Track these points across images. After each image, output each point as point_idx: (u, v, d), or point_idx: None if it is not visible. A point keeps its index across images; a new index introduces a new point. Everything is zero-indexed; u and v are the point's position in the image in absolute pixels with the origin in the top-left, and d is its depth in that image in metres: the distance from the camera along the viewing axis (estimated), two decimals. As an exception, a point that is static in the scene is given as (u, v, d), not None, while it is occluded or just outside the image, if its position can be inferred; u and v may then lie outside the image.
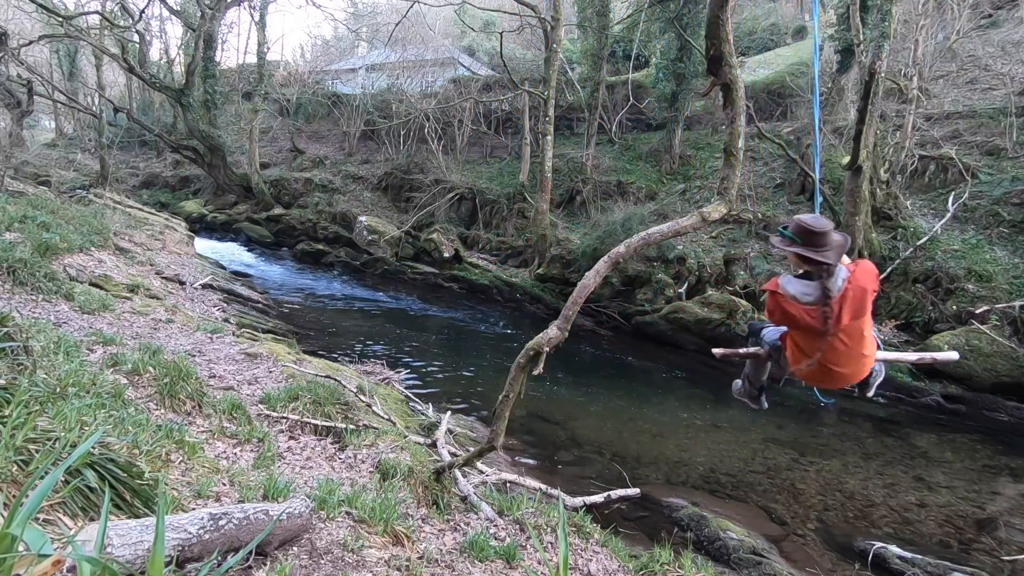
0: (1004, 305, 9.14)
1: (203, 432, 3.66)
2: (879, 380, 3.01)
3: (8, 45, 14.67)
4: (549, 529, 3.76)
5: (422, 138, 19.22)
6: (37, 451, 2.12)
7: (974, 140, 12.26)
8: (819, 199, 3.66)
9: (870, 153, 10.54)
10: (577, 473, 5.99)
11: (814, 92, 3.19)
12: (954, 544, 5.22)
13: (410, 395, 6.90)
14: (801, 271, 2.65)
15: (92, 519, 1.98)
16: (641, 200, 15.02)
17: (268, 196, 20.33)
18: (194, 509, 2.43)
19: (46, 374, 3.04)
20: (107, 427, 2.64)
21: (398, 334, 10.82)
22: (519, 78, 17.58)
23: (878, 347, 2.82)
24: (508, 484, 4.80)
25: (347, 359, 8.05)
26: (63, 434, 2.28)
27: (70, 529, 1.87)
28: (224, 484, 2.95)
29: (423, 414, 6.28)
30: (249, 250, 18.28)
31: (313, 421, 4.49)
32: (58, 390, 2.91)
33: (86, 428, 2.47)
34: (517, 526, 3.74)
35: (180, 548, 1.95)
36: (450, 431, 5.82)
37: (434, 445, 5.09)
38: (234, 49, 55.65)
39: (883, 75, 10.63)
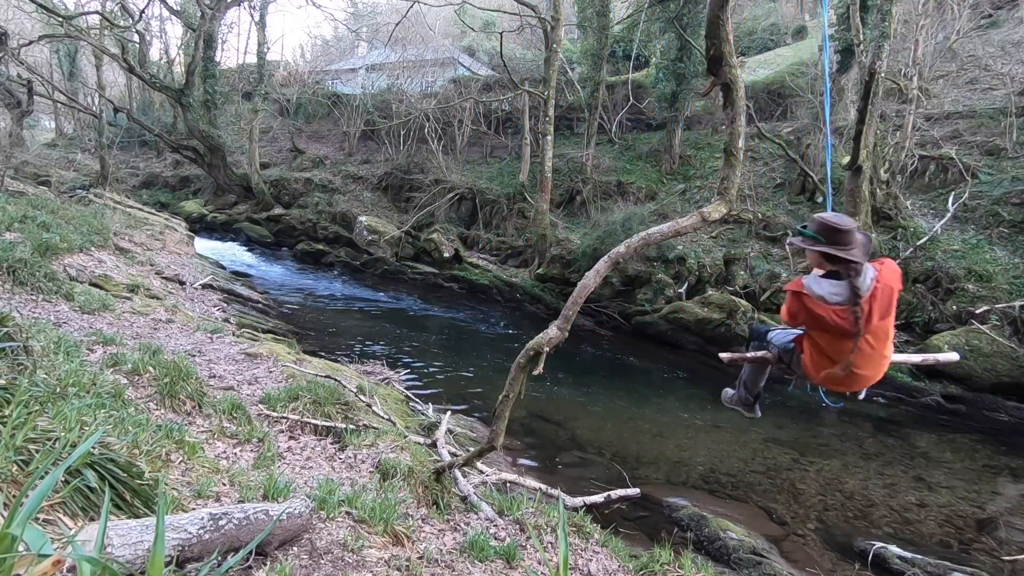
0: (1004, 305, 9.14)
1: (203, 432, 3.66)
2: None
3: (8, 45, 14.68)
4: (549, 529, 3.76)
5: (422, 138, 19.22)
6: (37, 451, 2.12)
7: (974, 140, 12.26)
8: (830, 198, 3.59)
9: (870, 153, 10.55)
10: (577, 473, 5.99)
11: (825, 90, 3.17)
12: (954, 544, 5.22)
13: (410, 395, 6.90)
14: (824, 271, 2.55)
15: (92, 519, 1.98)
16: (641, 200, 15.02)
17: (268, 196, 20.33)
18: (194, 509, 2.43)
19: (46, 374, 3.04)
20: (107, 427, 2.64)
21: (398, 334, 10.82)
22: (519, 78, 17.58)
23: None
24: (508, 484, 4.80)
25: (347, 359, 8.05)
26: (63, 434, 2.28)
27: (70, 529, 1.87)
28: (224, 484, 2.95)
29: (423, 414, 6.28)
30: (249, 250, 18.28)
31: (313, 421, 4.49)
32: (58, 390, 2.91)
33: (86, 428, 2.47)
34: (517, 526, 3.74)
35: (180, 548, 1.95)
36: (450, 431, 5.82)
37: (434, 445, 5.09)
38: (234, 49, 55.70)
39: (883, 75, 10.63)
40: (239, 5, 20.65)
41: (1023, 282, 9.47)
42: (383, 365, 7.89)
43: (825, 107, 3.36)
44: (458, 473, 4.15)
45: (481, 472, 4.72)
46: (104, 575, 1.40)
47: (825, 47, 3.19)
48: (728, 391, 3.54)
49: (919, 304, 9.92)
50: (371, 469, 3.88)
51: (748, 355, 3.12)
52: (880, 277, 2.44)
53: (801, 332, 2.79)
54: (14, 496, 1.72)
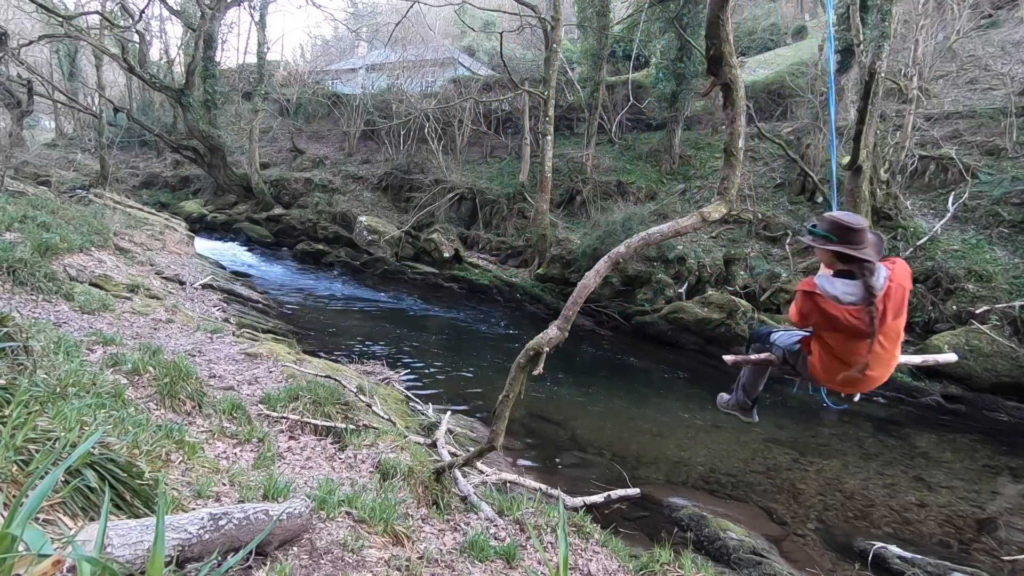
0: (1004, 305, 9.14)
1: (203, 432, 3.66)
2: None
3: (8, 45, 14.68)
4: (549, 529, 3.76)
5: (422, 138, 19.22)
6: (37, 451, 2.12)
7: (974, 140, 12.27)
8: (836, 197, 3.56)
9: (870, 153, 10.55)
10: (577, 473, 5.99)
11: (830, 88, 3.14)
12: (954, 544, 5.22)
13: (410, 395, 6.90)
14: (836, 271, 2.50)
15: (92, 519, 1.98)
16: (641, 200, 15.03)
17: (268, 196, 20.33)
18: (194, 509, 2.43)
19: (46, 374, 3.04)
20: (107, 427, 2.64)
21: (398, 334, 10.82)
22: (519, 78, 17.58)
23: None
24: (508, 484, 4.80)
25: (347, 359, 8.05)
26: (63, 434, 2.28)
27: (70, 529, 1.87)
28: (224, 484, 2.95)
29: (423, 414, 6.28)
30: (249, 250, 18.28)
31: (313, 421, 4.49)
32: (58, 390, 2.90)
33: (86, 428, 2.47)
34: (517, 526, 3.74)
35: (180, 548, 1.95)
36: (450, 431, 5.82)
37: (434, 445, 5.09)
38: (234, 49, 55.74)
39: (883, 75, 10.63)
40: (239, 5, 20.66)
41: (1023, 282, 9.47)
42: (383, 365, 7.89)
43: (831, 106, 3.34)
44: (458, 473, 4.15)
45: (481, 472, 4.72)
46: (104, 575, 1.40)
47: (830, 45, 3.17)
48: (723, 396, 3.47)
49: (919, 304, 9.92)
50: (371, 469, 3.88)
51: (752, 357, 3.05)
52: (893, 276, 2.40)
53: (807, 334, 2.74)
54: (14, 496, 1.72)
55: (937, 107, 13.46)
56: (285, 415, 4.44)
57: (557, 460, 6.30)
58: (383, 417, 5.25)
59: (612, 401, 8.34)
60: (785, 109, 16.18)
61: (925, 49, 13.33)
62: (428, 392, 7.67)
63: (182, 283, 9.95)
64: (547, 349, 3.16)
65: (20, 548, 1.37)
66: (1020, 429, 8.12)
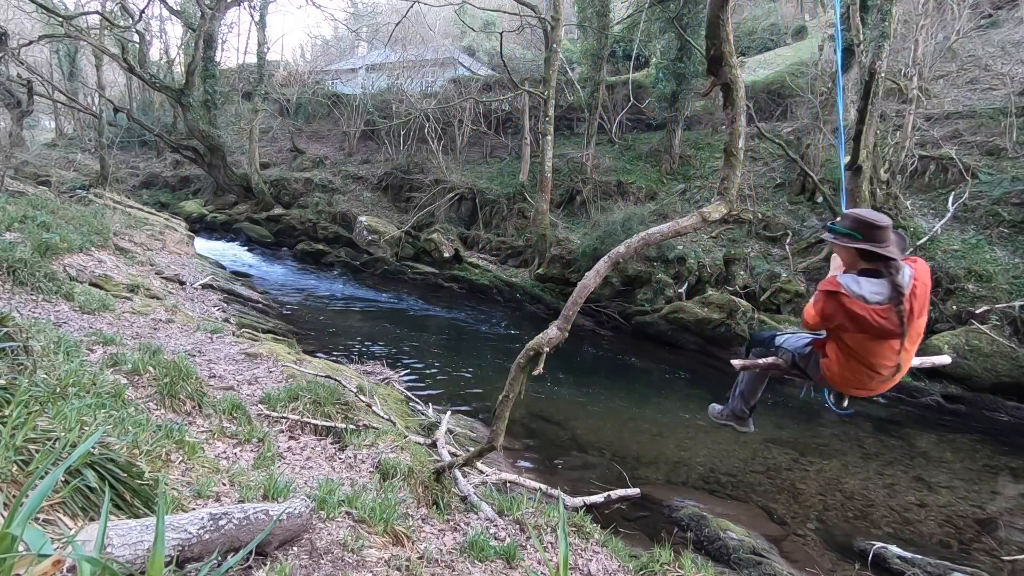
0: (1004, 305, 9.14)
1: (203, 432, 3.66)
2: None
3: (8, 45, 14.68)
4: (549, 529, 3.76)
5: (422, 138, 19.22)
6: (37, 451, 2.12)
7: (974, 140, 12.27)
8: (844, 195, 3.53)
9: (870, 153, 10.55)
10: (577, 473, 5.99)
11: (837, 86, 3.13)
12: (954, 544, 5.22)
13: (410, 395, 6.90)
14: (858, 270, 2.41)
15: (92, 519, 1.98)
16: (641, 200, 15.03)
17: (268, 196, 20.33)
18: (194, 509, 2.43)
19: (46, 374, 3.04)
20: (107, 427, 2.64)
21: (398, 334, 10.82)
22: (519, 78, 17.59)
23: None
24: (508, 484, 4.80)
25: (347, 359, 8.05)
26: (63, 434, 2.28)
27: (70, 529, 1.87)
28: (224, 484, 2.95)
29: (423, 414, 6.28)
30: (249, 250, 18.28)
31: (313, 421, 4.49)
32: (58, 390, 2.90)
33: (86, 428, 2.47)
34: (517, 526, 3.74)
35: (180, 548, 1.95)
36: (450, 431, 5.82)
37: (434, 445, 5.09)
38: (234, 49, 55.76)
39: (883, 75, 10.64)
40: (239, 5, 20.65)
41: (1023, 282, 9.47)
42: (383, 365, 7.89)
43: (838, 104, 3.32)
44: (458, 473, 4.15)
45: (481, 472, 4.72)
46: (104, 575, 1.40)
47: (838, 42, 3.16)
48: (715, 407, 3.36)
49: (919, 304, 9.92)
50: (371, 469, 3.88)
51: (760, 361, 2.91)
52: (916, 275, 2.34)
53: (817, 336, 2.66)
54: (14, 496, 1.72)
55: (937, 107, 13.46)
56: (285, 415, 4.44)
57: (557, 460, 6.30)
58: (383, 417, 5.25)
59: (612, 401, 8.34)
60: (785, 109, 16.18)
61: (925, 49, 13.32)
62: (428, 392, 7.67)
63: (182, 283, 9.95)
64: (547, 349, 3.16)
65: (20, 548, 1.37)
66: (1020, 429, 8.12)
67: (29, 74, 16.69)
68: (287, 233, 19.04)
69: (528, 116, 17.38)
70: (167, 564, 1.82)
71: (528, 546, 3.46)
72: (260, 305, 10.97)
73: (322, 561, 2.44)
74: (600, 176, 16.22)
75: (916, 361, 3.20)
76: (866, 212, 2.40)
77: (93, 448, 2.14)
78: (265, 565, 2.25)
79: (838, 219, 2.48)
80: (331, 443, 4.30)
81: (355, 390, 5.49)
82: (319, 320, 11.31)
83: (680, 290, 11.93)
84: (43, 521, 1.86)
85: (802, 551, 4.96)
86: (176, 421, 3.52)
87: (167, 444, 3.00)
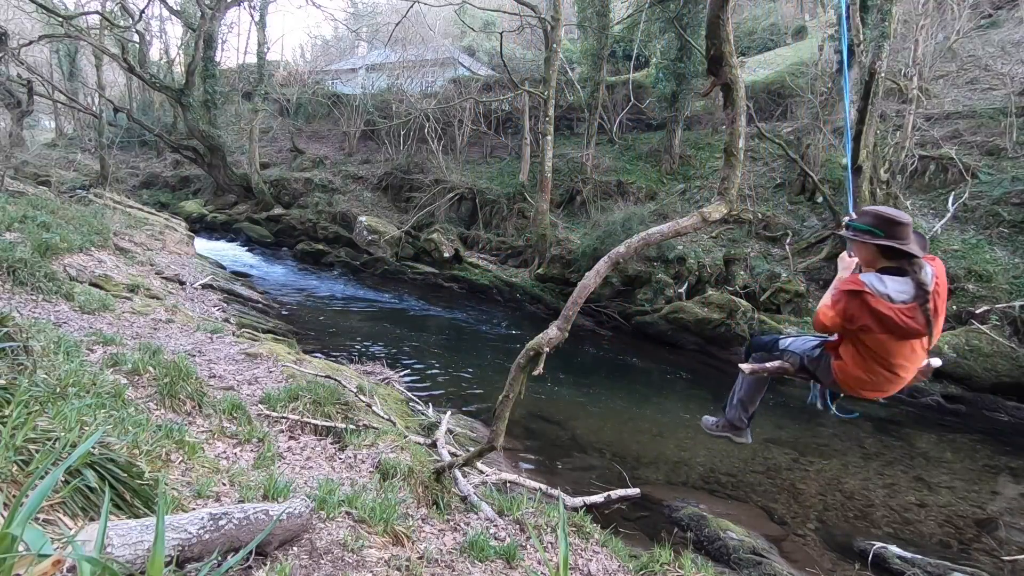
0: (1004, 305, 9.15)
1: (203, 432, 3.66)
2: None
3: (8, 45, 14.67)
4: (549, 529, 3.76)
5: (422, 138, 19.22)
6: (37, 451, 2.12)
7: (974, 140, 12.27)
8: (851, 194, 3.47)
9: (870, 153, 10.55)
10: (577, 473, 5.99)
11: (844, 85, 3.12)
12: (954, 544, 5.22)
13: (410, 395, 6.90)
14: (878, 268, 2.34)
15: (92, 519, 1.98)
16: (641, 200, 15.03)
17: (268, 196, 20.33)
18: (194, 509, 2.43)
19: (46, 374, 3.04)
20: (107, 427, 2.64)
21: (398, 334, 10.82)
22: (519, 78, 17.59)
23: None
24: (508, 484, 4.80)
25: (347, 359, 8.05)
26: (63, 434, 2.28)
27: (70, 529, 1.87)
28: (224, 484, 2.95)
29: (423, 414, 6.28)
30: (249, 250, 18.28)
31: (313, 421, 4.49)
32: (58, 390, 2.90)
33: (86, 428, 2.47)
34: (517, 526, 3.74)
35: (180, 548, 1.95)
36: (450, 431, 5.82)
37: (434, 445, 5.09)
38: (234, 49, 55.79)
39: (883, 75, 10.64)
40: (239, 5, 20.65)
41: (1023, 282, 9.47)
42: (383, 365, 7.89)
43: (845, 102, 3.31)
44: (458, 473, 4.14)
45: (481, 472, 4.72)
46: (104, 575, 1.40)
47: (844, 39, 3.14)
48: (708, 419, 3.27)
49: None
50: (371, 469, 3.88)
51: (768, 365, 2.81)
52: (937, 273, 2.30)
53: (827, 338, 2.59)
54: (14, 496, 1.72)
55: (937, 107, 13.46)
56: (285, 415, 4.44)
57: (557, 460, 6.30)
58: (383, 417, 5.25)
59: (612, 401, 8.34)
60: (785, 109, 16.18)
61: (925, 49, 13.32)
62: (428, 392, 7.67)
63: (182, 283, 9.95)
64: (547, 349, 3.16)
65: (20, 548, 1.37)
66: (1020, 429, 8.12)
67: (29, 74, 16.69)
68: (287, 233, 19.04)
69: (528, 116, 17.38)
70: (167, 564, 1.82)
71: (528, 546, 3.46)
72: (260, 305, 10.98)
73: (322, 561, 2.44)
74: (600, 176, 16.22)
75: None
76: (886, 208, 2.33)
77: (93, 448, 2.14)
78: (265, 565, 2.25)
79: (857, 216, 2.41)
80: (331, 443, 4.30)
81: (355, 390, 5.49)
82: (319, 320, 11.31)
83: (680, 290, 11.93)
84: (43, 521, 1.86)
85: (802, 551, 4.96)
86: (176, 421, 3.52)
87: (167, 444, 3.00)
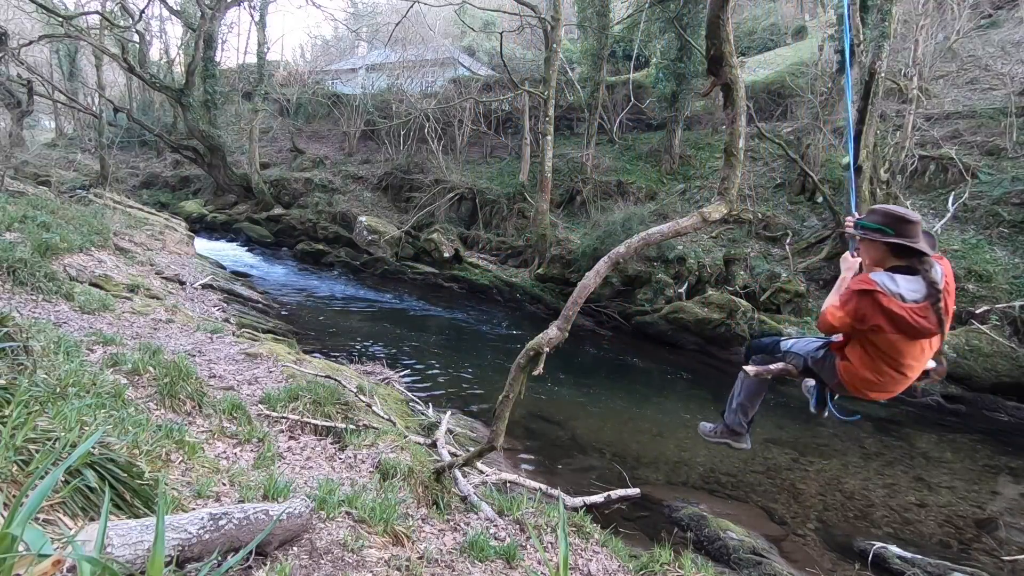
0: (1004, 305, 9.14)
1: (203, 432, 3.66)
2: None
3: (8, 45, 14.67)
4: (549, 529, 3.76)
5: (422, 138, 19.22)
6: (37, 451, 2.12)
7: (974, 140, 12.27)
8: (854, 194, 3.45)
9: (870, 153, 10.55)
10: (577, 473, 5.99)
11: (847, 84, 3.11)
12: (954, 544, 5.22)
13: (410, 395, 6.90)
14: (887, 267, 2.32)
15: (92, 519, 1.98)
16: (641, 200, 15.03)
17: (268, 196, 20.33)
18: (194, 509, 2.43)
19: (46, 374, 3.04)
20: (107, 427, 2.64)
21: (398, 334, 10.82)
22: (519, 78, 17.58)
23: None
24: (508, 484, 4.80)
25: (347, 359, 8.05)
26: (63, 434, 2.28)
27: (70, 529, 1.87)
28: (224, 484, 2.95)
29: (423, 414, 6.28)
30: (249, 250, 18.28)
31: (313, 421, 4.49)
32: (58, 390, 2.90)
33: (86, 428, 2.47)
34: (517, 526, 3.74)
35: (180, 548, 1.95)
36: (450, 431, 5.82)
37: (434, 445, 5.09)
38: (234, 49, 55.76)
39: (883, 75, 10.64)
40: (239, 5, 20.65)
41: (1023, 282, 9.47)
42: (383, 365, 7.89)
43: (847, 101, 3.31)
44: (458, 473, 4.15)
45: (481, 472, 4.72)
46: (104, 575, 1.40)
47: (847, 38, 3.13)
48: (706, 425, 3.22)
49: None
50: (371, 469, 3.88)
51: (772, 367, 2.78)
52: (946, 272, 2.27)
53: (830, 340, 2.58)
54: (14, 496, 1.72)
55: (937, 107, 13.46)
56: (285, 415, 4.44)
57: (557, 460, 6.30)
58: (383, 417, 5.25)
59: (612, 401, 8.34)
60: (785, 109, 16.18)
61: (925, 49, 13.32)
62: (428, 392, 7.67)
63: (182, 283, 9.95)
64: (547, 349, 3.16)
65: (20, 548, 1.37)
66: (1020, 429, 8.12)
67: (29, 74, 16.69)
68: (287, 233, 19.04)
69: (528, 116, 17.38)
70: (167, 564, 1.82)
71: (528, 546, 3.46)
72: (260, 305, 10.97)
73: (322, 561, 2.44)
74: (600, 176, 16.22)
75: None
76: (896, 207, 2.31)
77: (93, 448, 2.14)
78: (265, 565, 2.25)
79: (866, 215, 2.40)
80: (331, 443, 4.30)
81: (355, 390, 5.49)
82: (319, 320, 11.31)
83: (680, 290, 11.93)
84: (43, 521, 1.86)
85: (802, 551, 4.96)
86: (176, 421, 3.52)
87: (167, 444, 3.00)
